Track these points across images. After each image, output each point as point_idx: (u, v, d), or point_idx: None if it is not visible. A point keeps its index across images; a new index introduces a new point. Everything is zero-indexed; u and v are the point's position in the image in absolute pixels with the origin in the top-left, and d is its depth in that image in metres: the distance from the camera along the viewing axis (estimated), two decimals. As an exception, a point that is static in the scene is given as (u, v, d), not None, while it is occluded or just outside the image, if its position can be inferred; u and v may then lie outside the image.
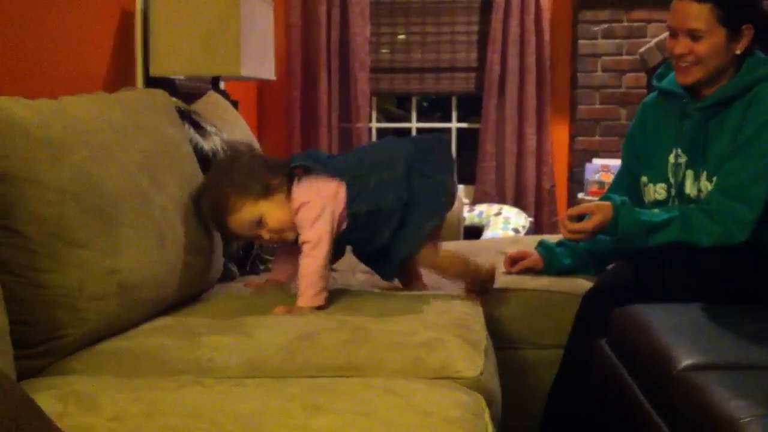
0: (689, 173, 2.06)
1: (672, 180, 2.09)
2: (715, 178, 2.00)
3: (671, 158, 2.09)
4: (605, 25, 4.20)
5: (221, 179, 1.84)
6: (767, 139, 1.95)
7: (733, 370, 1.45)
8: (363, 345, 1.51)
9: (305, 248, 1.80)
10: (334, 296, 1.87)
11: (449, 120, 4.66)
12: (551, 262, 2.24)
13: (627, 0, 4.16)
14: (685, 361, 1.49)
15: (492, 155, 4.37)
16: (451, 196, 1.97)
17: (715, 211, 1.95)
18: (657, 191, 2.12)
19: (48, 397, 1.25)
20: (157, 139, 1.87)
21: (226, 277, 2.15)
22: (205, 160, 2.18)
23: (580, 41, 4.23)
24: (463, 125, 4.64)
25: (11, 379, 0.87)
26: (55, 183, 1.47)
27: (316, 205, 1.81)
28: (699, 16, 1.98)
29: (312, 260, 1.79)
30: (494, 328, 2.06)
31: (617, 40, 4.21)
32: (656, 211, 2.03)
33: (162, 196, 1.77)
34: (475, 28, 4.45)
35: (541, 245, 2.28)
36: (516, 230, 3.97)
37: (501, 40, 4.29)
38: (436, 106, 4.90)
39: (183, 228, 1.82)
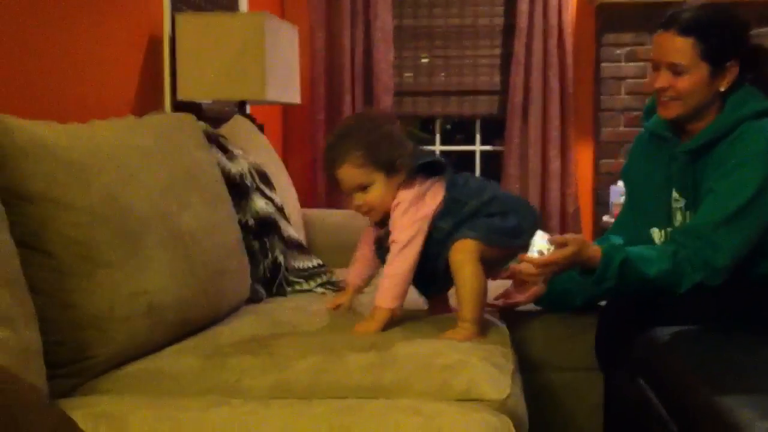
0: (689, 215, 1.99)
1: (676, 223, 2.02)
2: None
3: (673, 202, 2.02)
4: (628, 48, 4.20)
5: (365, 130, 1.82)
6: (742, 180, 1.86)
7: (761, 395, 1.43)
8: (389, 366, 1.51)
9: (394, 248, 1.80)
10: (362, 316, 1.88)
11: (473, 143, 4.67)
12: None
13: (650, 23, 4.14)
14: (713, 389, 1.47)
15: (516, 178, 4.37)
16: (518, 239, 1.95)
17: (690, 254, 1.87)
18: (660, 234, 2.06)
19: (78, 417, 1.26)
20: (185, 163, 1.90)
21: (254, 298, 2.16)
22: (232, 183, 2.20)
23: (603, 64, 4.24)
24: (487, 148, 4.65)
25: (49, 399, 0.88)
26: (84, 205, 1.50)
27: (418, 212, 1.81)
28: (681, 51, 1.91)
29: (400, 262, 1.79)
30: (519, 351, 2.05)
31: (640, 63, 4.20)
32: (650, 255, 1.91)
33: (189, 219, 1.79)
34: (498, 51, 4.47)
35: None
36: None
37: (524, 64, 4.30)
38: (459, 129, 4.91)
39: (211, 250, 1.84)
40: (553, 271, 1.95)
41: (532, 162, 4.34)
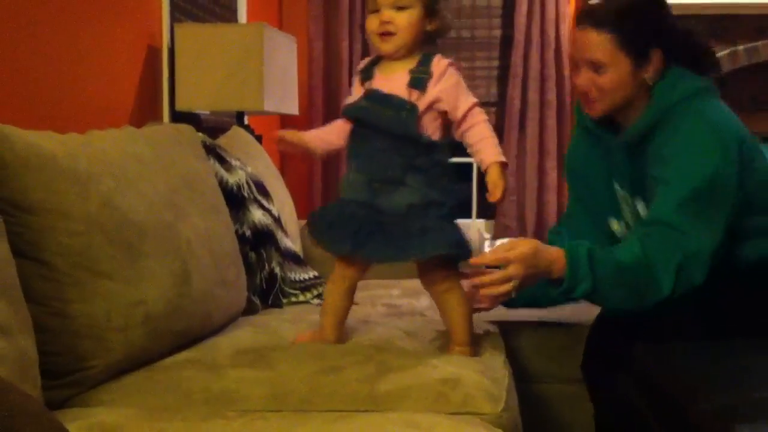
0: (639, 203, 1.90)
1: (628, 215, 1.96)
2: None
3: (618, 193, 1.96)
4: (626, 61, 4.21)
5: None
6: (689, 164, 1.77)
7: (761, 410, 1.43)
8: (385, 379, 1.52)
9: (477, 110, 1.75)
10: (356, 329, 1.88)
11: (469, 155, 4.67)
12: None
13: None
14: (709, 400, 1.47)
15: (513, 190, 4.38)
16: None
17: (658, 241, 1.76)
18: (618, 225, 2.00)
19: (74, 428, 1.26)
20: (183, 173, 1.90)
21: (250, 309, 2.16)
22: (229, 193, 2.21)
23: (601, 77, 4.24)
24: (484, 160, 4.65)
25: (47, 409, 0.88)
26: (82, 214, 1.50)
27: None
28: (599, 46, 1.81)
29: (488, 122, 1.77)
30: (515, 363, 2.06)
31: (638, 76, 4.21)
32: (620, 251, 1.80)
33: (187, 229, 1.79)
34: (495, 63, 4.49)
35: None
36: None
37: (521, 76, 4.32)
38: (456, 141, 4.91)
39: (208, 260, 1.84)
40: (513, 279, 1.69)
41: (528, 174, 4.35)
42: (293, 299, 2.36)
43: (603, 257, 1.76)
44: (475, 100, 1.75)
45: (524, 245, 1.71)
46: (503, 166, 1.73)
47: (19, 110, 2.06)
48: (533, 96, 4.30)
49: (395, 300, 2.39)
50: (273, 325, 1.99)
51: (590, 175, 2.04)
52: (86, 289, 1.48)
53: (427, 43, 1.77)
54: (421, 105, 1.71)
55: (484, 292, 1.72)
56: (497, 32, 4.47)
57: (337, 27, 4.36)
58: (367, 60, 1.85)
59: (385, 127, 1.72)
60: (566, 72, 4.28)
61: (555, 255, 1.74)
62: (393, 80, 1.74)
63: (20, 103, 2.08)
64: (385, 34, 1.72)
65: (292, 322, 2.01)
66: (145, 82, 2.79)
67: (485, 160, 1.74)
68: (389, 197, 1.70)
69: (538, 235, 4.33)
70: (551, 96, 4.29)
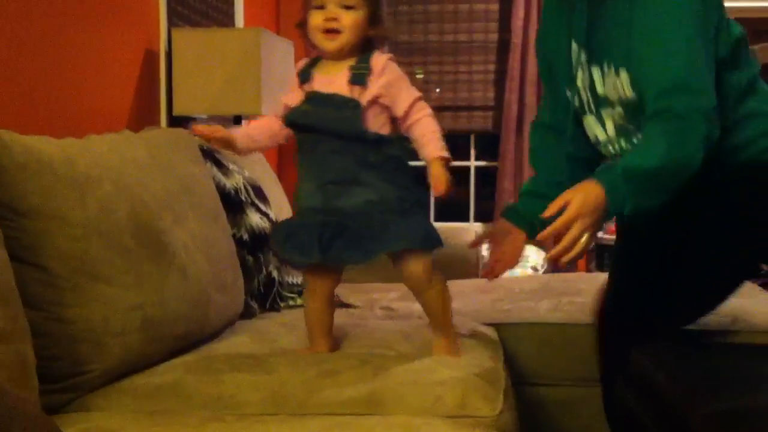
0: (595, 71, 1.78)
1: (580, 83, 1.83)
2: (628, 75, 1.70)
3: (573, 55, 1.83)
4: (622, 65, 4.22)
5: None
6: (669, 19, 1.66)
7: (756, 416, 1.41)
8: (383, 382, 1.52)
9: (420, 104, 1.70)
10: (353, 332, 1.88)
11: (467, 158, 4.68)
12: (532, 225, 1.92)
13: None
14: (707, 406, 1.43)
15: (510, 193, 4.38)
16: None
17: (674, 116, 1.63)
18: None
19: (72, 432, 1.26)
20: (180, 177, 1.90)
21: (247, 313, 2.16)
22: (226, 197, 2.21)
23: (598, 80, 4.25)
24: (482, 163, 4.66)
25: (44, 413, 0.88)
26: (80, 219, 1.50)
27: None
28: None
29: (432, 116, 1.71)
30: (512, 365, 2.06)
31: (634, 80, 4.22)
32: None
33: (184, 233, 1.79)
34: (493, 67, 4.49)
35: (511, 213, 2.01)
36: (534, 268, 3.97)
37: (518, 79, 4.33)
38: (453, 145, 4.92)
39: (205, 264, 1.84)
40: (584, 234, 1.64)
41: (526, 177, 4.35)
42: (291, 303, 2.37)
43: (636, 172, 1.62)
44: (418, 94, 1.71)
45: (574, 199, 1.61)
46: (445, 161, 1.68)
47: (17, 115, 2.06)
48: (530, 99, 4.31)
49: (393, 303, 2.39)
50: (271, 329, 1.99)
51: (553, 46, 1.92)
52: (84, 294, 1.49)
53: (366, 50, 1.72)
54: (364, 100, 1.67)
55: (565, 259, 1.68)
56: (494, 36, 4.48)
57: (335, 31, 4.37)
58: (304, 61, 1.80)
59: (330, 128, 1.68)
60: (563, 75, 4.28)
61: (596, 190, 1.63)
62: (333, 80, 1.70)
63: (18, 108, 2.08)
64: (331, 32, 1.68)
65: (290, 326, 2.01)
66: (142, 86, 2.79)
67: (427, 156, 1.68)
68: (346, 198, 1.67)
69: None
70: (548, 99, 4.29)
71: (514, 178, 4.39)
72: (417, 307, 2.31)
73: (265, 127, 1.81)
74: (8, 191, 1.42)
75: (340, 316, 2.17)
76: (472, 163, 4.67)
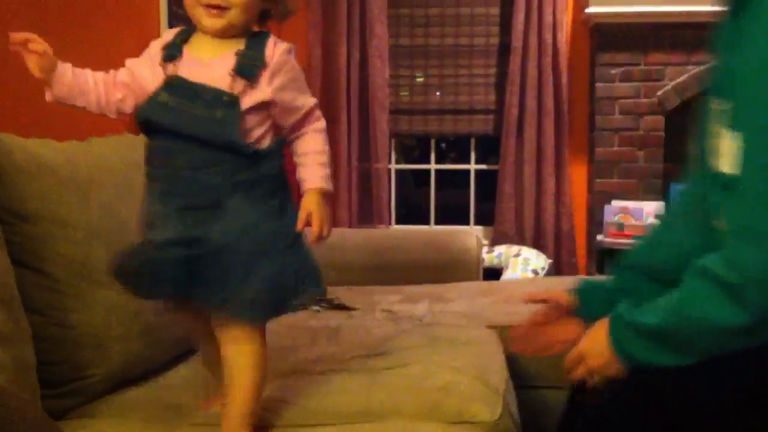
0: (714, 101, 1.22)
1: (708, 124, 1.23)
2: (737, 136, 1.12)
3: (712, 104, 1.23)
4: (623, 69, 4.23)
5: None
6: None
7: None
8: (380, 388, 1.51)
9: (315, 114, 1.43)
10: (352, 337, 1.88)
11: (468, 161, 4.69)
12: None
13: (644, 43, 4.20)
14: None
15: (510, 196, 4.39)
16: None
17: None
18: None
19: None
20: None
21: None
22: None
23: (598, 84, 4.26)
24: (482, 167, 4.67)
25: (45, 414, 0.88)
26: (82, 222, 1.50)
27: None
28: None
29: (323, 131, 1.44)
30: (513, 367, 2.05)
31: (635, 83, 4.23)
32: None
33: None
34: (493, 70, 4.50)
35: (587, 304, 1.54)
36: (535, 272, 3.97)
37: (519, 83, 4.33)
38: (454, 148, 4.93)
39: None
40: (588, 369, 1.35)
41: (527, 180, 4.36)
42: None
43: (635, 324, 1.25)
44: (314, 100, 1.43)
45: (585, 339, 1.35)
46: (325, 194, 1.40)
47: (17, 118, 2.06)
48: (531, 102, 4.31)
49: (394, 306, 2.39)
50: (271, 331, 1.99)
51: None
52: (86, 299, 1.49)
53: (259, 22, 1.41)
54: (247, 101, 1.34)
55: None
56: (495, 40, 4.48)
57: (335, 34, 4.37)
58: (173, 31, 1.42)
59: (194, 132, 1.32)
60: (564, 79, 4.29)
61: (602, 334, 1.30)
62: (210, 63, 1.35)
63: (19, 111, 2.09)
64: (215, 7, 1.34)
65: (291, 329, 2.01)
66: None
67: (303, 183, 1.40)
68: (205, 227, 1.31)
69: (536, 240, 4.34)
70: (549, 102, 4.30)
71: (515, 181, 4.39)
72: (419, 309, 2.32)
73: (101, 86, 1.42)
74: (9, 195, 1.43)
75: (339, 319, 2.17)
76: (473, 166, 4.67)
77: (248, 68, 1.34)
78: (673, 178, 4.20)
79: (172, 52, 1.38)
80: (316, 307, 2.38)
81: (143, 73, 1.40)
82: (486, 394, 1.52)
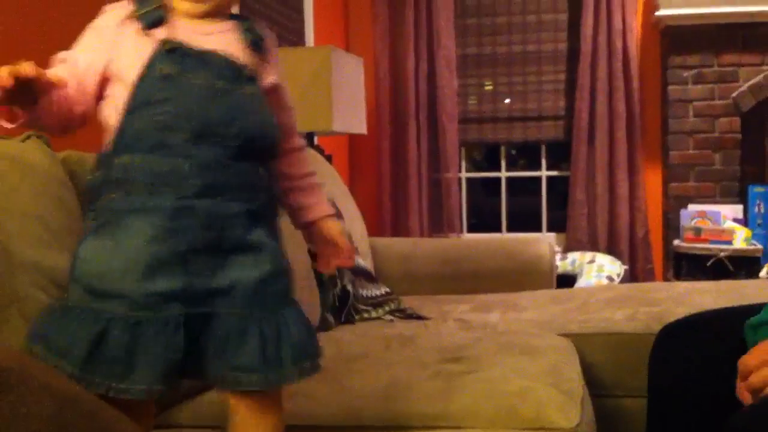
0: None
1: None
2: None
3: None
4: (695, 70, 4.16)
5: None
6: None
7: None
8: (457, 394, 1.52)
9: (303, 142, 1.25)
10: (427, 343, 1.89)
11: (538, 168, 4.66)
12: None
13: (716, 44, 4.12)
14: None
15: (583, 203, 4.34)
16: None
17: None
18: None
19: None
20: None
21: (323, 326, 2.19)
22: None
23: (671, 87, 4.20)
24: (553, 173, 4.63)
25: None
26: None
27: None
28: None
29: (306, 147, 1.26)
30: (590, 375, 2.03)
31: (708, 85, 4.15)
32: None
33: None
34: (562, 76, 4.47)
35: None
36: (610, 278, 3.92)
37: (589, 88, 4.29)
38: (524, 155, 4.91)
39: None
40: None
41: (599, 186, 4.31)
42: (365, 315, 2.39)
43: None
44: (293, 107, 1.23)
45: None
46: (334, 217, 1.25)
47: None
48: (601, 107, 4.27)
49: (465, 315, 2.39)
50: (345, 340, 2.01)
51: None
52: None
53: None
54: (264, 82, 1.12)
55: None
56: (563, 45, 4.45)
57: (403, 46, 4.41)
58: (122, 4, 1.12)
59: (220, 117, 1.03)
60: (635, 83, 4.23)
61: None
62: (211, 32, 1.11)
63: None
64: None
65: (365, 338, 2.03)
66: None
67: (312, 212, 1.22)
68: (224, 273, 1.05)
69: (610, 247, 4.28)
70: (620, 107, 4.25)
71: (586, 187, 4.34)
72: (491, 318, 2.31)
73: (72, 96, 1.07)
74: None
75: (412, 328, 2.19)
76: (544, 173, 4.64)
77: (257, 44, 1.13)
78: (751, 180, 4.10)
79: (154, 16, 1.08)
80: (390, 317, 2.40)
81: (108, 52, 1.06)
82: (563, 401, 1.51)
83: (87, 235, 1.07)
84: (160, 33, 1.08)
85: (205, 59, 1.07)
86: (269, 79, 1.14)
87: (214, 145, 1.05)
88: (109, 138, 1.07)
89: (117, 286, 1.01)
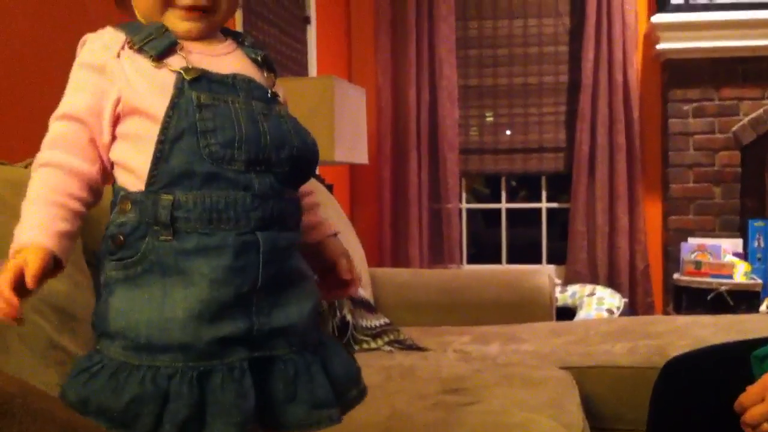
0: None
1: None
2: None
3: None
4: (696, 104, 4.18)
5: None
6: None
7: None
8: (457, 426, 1.52)
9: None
10: (426, 374, 1.89)
11: (538, 199, 4.67)
12: None
13: (717, 78, 4.14)
14: None
15: (583, 234, 4.35)
16: None
17: None
18: None
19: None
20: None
21: (321, 356, 2.18)
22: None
23: (671, 120, 4.22)
24: (553, 205, 4.64)
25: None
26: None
27: None
28: None
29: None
30: (589, 407, 2.03)
31: (709, 119, 4.17)
32: None
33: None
34: (563, 108, 4.49)
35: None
36: (610, 311, 3.91)
37: (590, 120, 4.31)
38: (524, 186, 4.92)
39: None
40: None
41: (599, 218, 4.31)
42: (365, 346, 2.39)
43: None
44: None
45: None
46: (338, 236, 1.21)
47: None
48: (602, 140, 4.29)
49: (465, 346, 2.39)
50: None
51: None
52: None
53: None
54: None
55: None
56: (564, 78, 4.48)
57: (404, 77, 4.43)
58: (110, 32, 1.03)
59: (268, 144, 0.99)
60: (635, 116, 4.26)
61: None
62: (218, 54, 1.07)
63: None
64: (198, 9, 1.04)
65: (364, 369, 2.02)
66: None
67: (323, 228, 1.18)
68: (281, 310, 1.00)
69: (610, 279, 4.28)
70: (620, 139, 4.27)
71: (587, 218, 4.35)
72: (491, 349, 2.31)
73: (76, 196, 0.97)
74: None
75: (411, 359, 2.18)
76: (544, 205, 4.65)
77: (268, 58, 1.11)
78: (751, 215, 4.11)
79: (163, 45, 1.01)
80: (389, 348, 2.39)
81: (117, 91, 0.98)
82: (562, 433, 1.51)
83: (119, 284, 0.96)
84: (174, 61, 1.01)
85: (233, 83, 1.02)
86: (280, 92, 1.10)
87: (266, 172, 0.99)
88: (128, 178, 0.99)
89: (175, 336, 0.92)
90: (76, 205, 0.96)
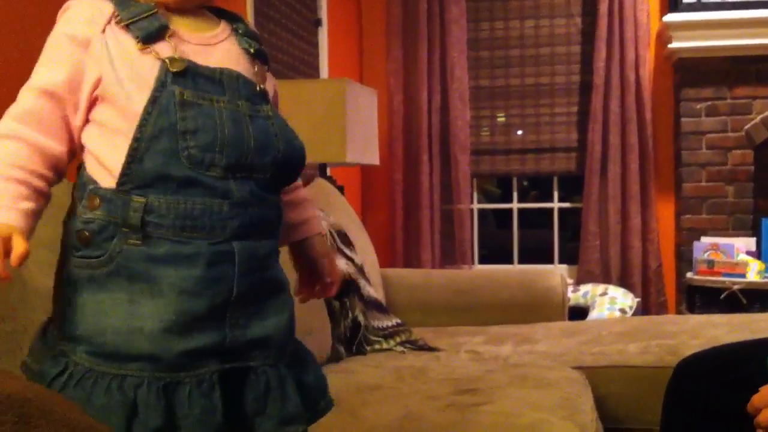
0: None
1: None
2: None
3: None
4: (708, 103, 4.17)
5: None
6: None
7: None
8: (470, 426, 1.52)
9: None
10: (439, 375, 1.89)
11: (551, 199, 4.66)
12: None
13: (729, 77, 4.13)
14: None
15: (595, 234, 4.34)
16: None
17: None
18: None
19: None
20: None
21: (334, 357, 2.19)
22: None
23: (683, 119, 4.20)
24: (566, 205, 4.63)
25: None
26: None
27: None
28: None
29: None
30: (603, 407, 2.02)
31: (721, 117, 4.16)
32: None
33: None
34: (575, 108, 4.48)
35: None
36: (623, 311, 3.90)
37: (602, 120, 4.30)
38: (536, 186, 4.92)
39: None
40: None
41: (612, 218, 4.30)
42: (377, 346, 2.39)
43: None
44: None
45: None
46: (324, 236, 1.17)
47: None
48: (614, 139, 4.28)
49: (478, 347, 2.39)
50: (358, 372, 2.01)
51: None
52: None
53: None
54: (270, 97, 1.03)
55: None
56: (576, 78, 4.47)
57: (416, 79, 4.43)
58: (103, 3, 0.96)
59: (251, 148, 0.94)
60: (647, 115, 4.25)
61: None
62: (212, 42, 1.00)
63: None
64: None
65: (376, 370, 2.03)
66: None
67: (311, 225, 1.14)
68: (260, 321, 0.97)
69: (623, 279, 4.27)
70: (633, 139, 4.26)
71: (599, 218, 4.34)
72: (504, 350, 2.31)
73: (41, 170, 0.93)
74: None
75: (424, 360, 2.18)
76: (556, 205, 4.64)
77: (263, 52, 1.03)
78: (764, 213, 4.09)
79: (152, 28, 0.94)
80: (401, 349, 2.39)
81: (98, 68, 0.92)
82: (575, 434, 1.51)
83: (83, 283, 0.92)
84: (162, 47, 0.94)
85: (220, 79, 0.95)
86: (270, 88, 1.03)
87: (247, 178, 0.94)
88: (99, 171, 0.93)
89: (142, 347, 0.89)
90: (40, 184, 0.91)
